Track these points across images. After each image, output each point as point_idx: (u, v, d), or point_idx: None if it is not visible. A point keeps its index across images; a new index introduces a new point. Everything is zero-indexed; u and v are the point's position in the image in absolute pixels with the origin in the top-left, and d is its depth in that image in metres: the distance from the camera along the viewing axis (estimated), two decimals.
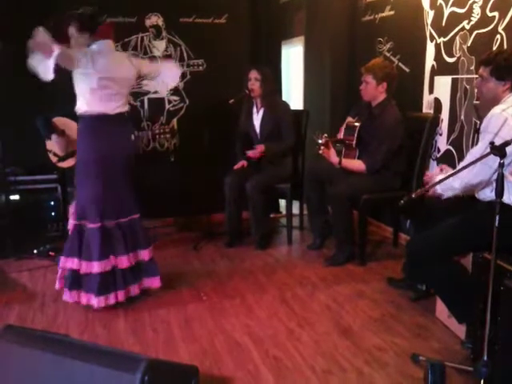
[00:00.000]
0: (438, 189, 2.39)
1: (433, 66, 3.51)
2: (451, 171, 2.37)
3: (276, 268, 3.55)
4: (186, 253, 3.89)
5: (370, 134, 3.43)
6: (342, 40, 4.54)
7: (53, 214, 3.99)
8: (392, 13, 3.94)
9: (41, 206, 3.96)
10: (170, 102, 4.37)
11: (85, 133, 2.86)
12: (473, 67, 3.11)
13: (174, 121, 4.31)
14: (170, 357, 2.38)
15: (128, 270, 2.90)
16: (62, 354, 1.80)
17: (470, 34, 3.12)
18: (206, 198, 4.18)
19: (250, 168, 3.94)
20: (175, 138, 4.38)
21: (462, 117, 3.27)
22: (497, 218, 1.88)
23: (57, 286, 2.94)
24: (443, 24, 3.37)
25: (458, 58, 3.25)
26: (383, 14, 4.05)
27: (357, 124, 3.51)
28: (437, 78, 3.49)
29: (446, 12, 3.33)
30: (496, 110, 2.24)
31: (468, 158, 2.31)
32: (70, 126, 3.56)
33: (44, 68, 2.56)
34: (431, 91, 3.55)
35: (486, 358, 1.90)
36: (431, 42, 3.51)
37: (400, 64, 3.87)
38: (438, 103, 3.49)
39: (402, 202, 2.19)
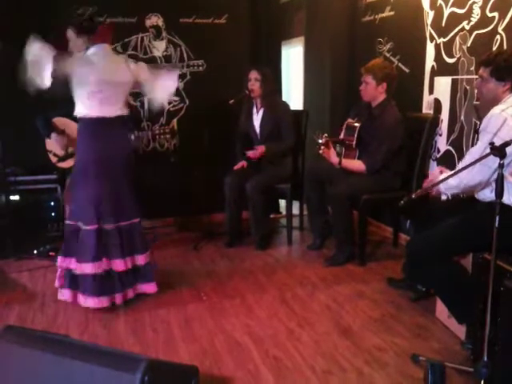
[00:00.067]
0: (439, 189, 2.39)
1: (433, 66, 3.52)
2: (450, 172, 2.36)
3: (276, 268, 3.56)
4: (186, 253, 3.89)
5: (369, 135, 3.43)
6: (342, 40, 4.54)
7: (53, 214, 3.99)
8: (392, 13, 3.95)
9: (41, 207, 3.96)
10: (170, 102, 4.37)
11: (84, 134, 2.86)
12: (473, 68, 3.11)
13: (174, 121, 4.30)
14: (169, 357, 2.39)
15: (124, 274, 2.89)
16: (62, 354, 1.80)
17: (470, 35, 3.12)
18: (206, 198, 4.18)
19: (250, 168, 3.94)
20: (175, 138, 4.38)
21: (462, 117, 3.27)
22: (497, 218, 1.88)
23: (56, 284, 2.96)
24: (443, 24, 3.37)
25: (458, 58, 3.25)
26: (383, 15, 4.06)
27: (357, 124, 3.51)
28: (437, 79, 3.49)
29: (446, 12, 3.33)
30: (495, 110, 2.24)
31: (467, 158, 2.31)
32: (70, 126, 3.56)
33: (40, 75, 2.59)
34: (431, 92, 3.55)
35: (486, 358, 1.90)
36: (431, 42, 3.51)
37: (400, 64, 3.87)
38: (437, 104, 3.50)
39: (402, 202, 2.20)
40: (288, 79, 5.56)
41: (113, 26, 2.85)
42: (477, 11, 3.04)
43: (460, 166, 2.33)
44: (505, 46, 2.83)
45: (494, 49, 2.87)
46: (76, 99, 2.82)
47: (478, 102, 3.04)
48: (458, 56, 3.25)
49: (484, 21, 2.99)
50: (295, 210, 4.23)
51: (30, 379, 1.84)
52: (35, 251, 3.74)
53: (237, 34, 4.40)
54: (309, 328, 2.70)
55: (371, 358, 2.39)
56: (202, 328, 2.70)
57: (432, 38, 3.50)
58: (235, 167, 3.97)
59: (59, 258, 2.92)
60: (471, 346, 2.31)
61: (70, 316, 2.85)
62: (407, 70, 3.82)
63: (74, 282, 2.87)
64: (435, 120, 3.47)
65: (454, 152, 3.37)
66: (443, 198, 2.41)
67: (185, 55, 4.35)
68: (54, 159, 3.74)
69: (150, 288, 3.01)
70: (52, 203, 3.99)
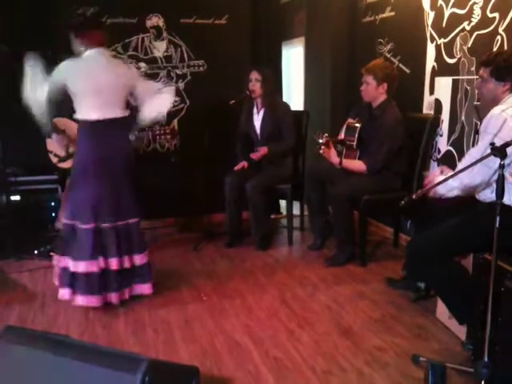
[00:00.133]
0: (439, 190, 2.39)
1: (433, 66, 3.51)
2: (451, 173, 2.37)
3: (276, 268, 3.55)
4: (187, 253, 3.89)
5: (370, 135, 3.43)
6: (343, 41, 4.54)
7: (53, 214, 3.99)
8: (392, 14, 3.94)
9: (41, 207, 3.96)
10: None
11: (84, 134, 2.88)
12: (473, 68, 3.11)
13: (175, 122, 4.31)
14: (170, 357, 2.39)
15: (121, 273, 2.89)
16: (62, 354, 1.80)
17: (471, 35, 3.12)
18: (206, 198, 4.18)
19: (251, 168, 3.94)
20: (176, 138, 4.38)
21: (463, 118, 3.27)
22: (497, 219, 1.88)
23: (56, 282, 2.97)
24: (444, 25, 3.37)
25: (459, 58, 3.25)
26: (384, 15, 4.05)
27: (357, 125, 3.51)
28: (437, 79, 3.49)
29: (447, 13, 3.33)
30: (495, 110, 2.23)
31: (467, 159, 2.31)
32: (71, 127, 3.55)
33: (35, 93, 2.75)
34: (432, 92, 3.55)
35: (486, 359, 1.90)
36: (432, 42, 3.51)
37: (400, 65, 3.87)
38: (438, 104, 3.49)
39: (403, 202, 2.19)
40: (288, 80, 5.57)
41: (102, 33, 2.80)
42: (477, 12, 3.04)
43: (460, 166, 2.32)
44: (505, 47, 2.83)
45: (495, 49, 2.87)
46: (75, 103, 2.85)
47: (478, 103, 3.04)
48: (458, 56, 3.25)
49: (484, 21, 2.99)
50: (296, 210, 4.23)
51: (30, 379, 1.84)
52: (35, 251, 3.75)
53: (237, 34, 4.41)
54: (309, 328, 2.69)
55: (371, 359, 2.39)
56: (202, 328, 2.70)
57: (432, 39, 3.50)
58: (236, 168, 3.97)
59: (56, 257, 2.94)
60: (472, 347, 2.31)
61: (71, 316, 2.85)
62: (408, 71, 3.82)
63: (70, 280, 2.87)
64: (436, 120, 3.47)
65: (454, 152, 3.37)
66: (445, 196, 2.40)
67: (185, 55, 4.35)
68: (54, 159, 3.74)
69: (145, 289, 3.00)
70: (52, 203, 3.99)
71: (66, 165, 3.72)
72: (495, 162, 1.95)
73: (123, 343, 2.55)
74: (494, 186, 1.94)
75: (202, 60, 4.39)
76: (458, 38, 3.24)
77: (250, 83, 3.84)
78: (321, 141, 3.40)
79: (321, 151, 3.44)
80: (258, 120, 3.97)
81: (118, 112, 2.86)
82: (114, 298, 2.87)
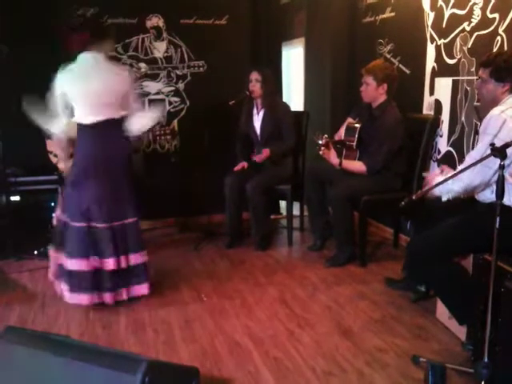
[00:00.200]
0: (438, 191, 2.39)
1: (433, 67, 3.52)
2: (452, 172, 2.37)
3: (276, 269, 3.55)
4: (187, 253, 3.89)
5: (370, 135, 3.43)
6: (343, 41, 4.54)
7: (53, 214, 3.98)
8: (392, 14, 3.95)
9: (41, 207, 3.96)
10: (170, 103, 4.38)
11: (83, 135, 2.89)
12: (473, 69, 3.11)
13: (175, 122, 4.31)
14: (170, 357, 2.39)
15: (117, 273, 2.88)
16: (62, 354, 1.80)
17: (471, 36, 3.12)
18: (206, 198, 4.18)
19: (251, 169, 3.94)
20: (176, 139, 4.38)
21: (463, 118, 3.27)
22: (497, 219, 1.88)
23: (50, 276, 3.00)
24: (444, 25, 3.37)
25: (459, 59, 3.25)
26: (384, 16, 4.06)
27: (357, 125, 3.51)
28: (437, 80, 3.49)
29: (447, 13, 3.33)
30: (495, 111, 2.24)
31: (467, 161, 2.31)
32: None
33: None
34: (432, 93, 3.55)
35: (486, 359, 1.90)
36: (432, 43, 3.51)
37: (400, 65, 3.88)
38: (438, 105, 3.50)
39: (403, 203, 2.19)
40: (288, 80, 5.57)
41: (86, 37, 2.79)
42: (477, 12, 3.05)
43: (460, 168, 2.32)
44: (505, 47, 2.83)
45: (495, 50, 2.87)
46: (73, 106, 2.86)
47: (478, 103, 3.04)
48: (458, 57, 3.26)
49: (484, 22, 2.99)
50: (296, 210, 4.23)
51: (30, 380, 1.84)
52: (35, 252, 3.75)
53: (237, 34, 4.41)
54: (309, 329, 2.69)
55: (372, 359, 2.39)
56: (203, 329, 2.70)
57: (432, 39, 3.50)
58: (235, 168, 3.96)
59: (51, 251, 2.96)
60: (472, 347, 2.31)
61: (71, 316, 2.85)
62: (408, 71, 3.82)
63: (66, 277, 2.87)
64: (436, 121, 3.47)
65: (454, 153, 3.37)
66: (444, 199, 2.40)
67: (185, 56, 4.35)
68: (54, 160, 3.74)
69: (142, 289, 2.99)
70: (52, 204, 3.98)
71: (66, 166, 3.72)
72: (495, 162, 1.96)
73: (123, 343, 2.55)
74: (494, 186, 1.94)
75: (202, 60, 4.39)
76: (458, 39, 3.24)
77: (250, 84, 3.84)
78: (320, 142, 3.40)
79: (320, 152, 3.44)
80: (257, 120, 3.97)
81: (115, 113, 2.86)
82: (108, 297, 2.87)
